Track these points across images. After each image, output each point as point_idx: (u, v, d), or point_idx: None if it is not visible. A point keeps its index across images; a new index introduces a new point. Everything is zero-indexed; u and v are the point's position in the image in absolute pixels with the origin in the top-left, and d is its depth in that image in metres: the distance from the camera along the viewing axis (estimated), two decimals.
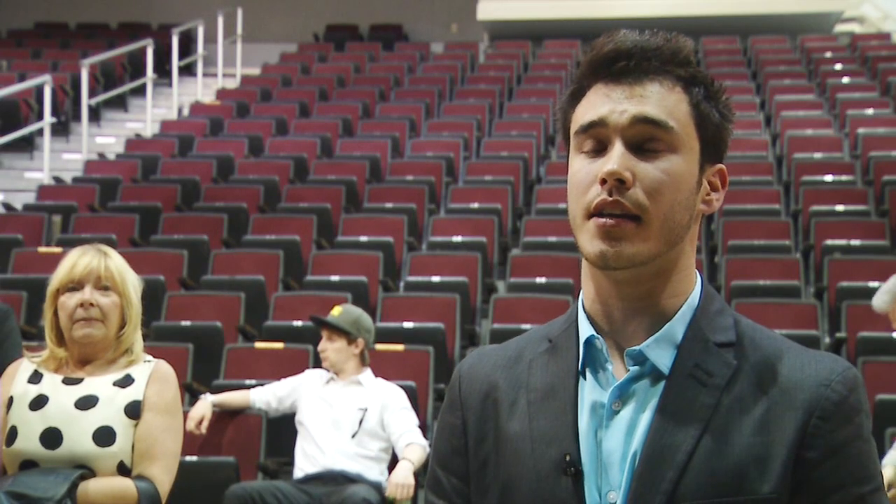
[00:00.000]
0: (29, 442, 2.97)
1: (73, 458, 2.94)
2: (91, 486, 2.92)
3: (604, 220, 1.38)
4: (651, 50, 1.42)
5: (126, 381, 3.03)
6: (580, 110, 1.45)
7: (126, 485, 2.94)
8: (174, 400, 3.06)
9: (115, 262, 3.11)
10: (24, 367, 3.12)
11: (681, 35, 1.45)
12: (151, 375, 3.05)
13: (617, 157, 1.38)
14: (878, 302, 4.02)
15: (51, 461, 2.95)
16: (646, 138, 1.40)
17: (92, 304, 3.05)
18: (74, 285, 3.07)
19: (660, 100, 1.41)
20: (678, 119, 1.41)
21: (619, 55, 1.42)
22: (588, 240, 1.40)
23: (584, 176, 1.41)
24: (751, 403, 1.39)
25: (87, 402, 2.99)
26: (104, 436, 2.95)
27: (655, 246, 1.39)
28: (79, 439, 2.95)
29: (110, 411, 2.97)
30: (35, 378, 3.07)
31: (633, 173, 1.38)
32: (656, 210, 1.38)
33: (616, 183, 1.38)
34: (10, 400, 3.04)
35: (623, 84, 1.41)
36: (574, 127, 1.45)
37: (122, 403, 2.99)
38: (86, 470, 2.94)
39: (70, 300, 3.06)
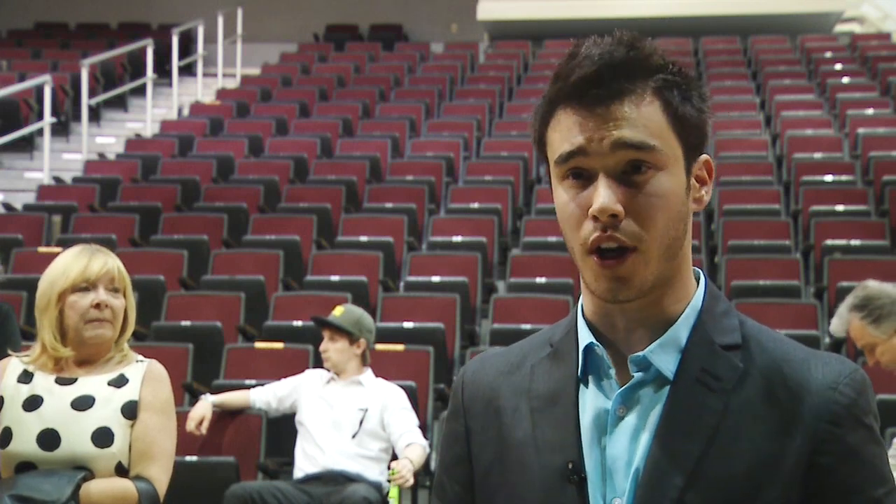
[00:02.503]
0: (26, 444, 2.95)
1: (72, 459, 2.93)
2: (93, 488, 2.91)
3: (605, 261, 1.36)
4: (618, 66, 1.37)
5: (120, 381, 3.02)
6: (555, 136, 1.41)
7: (126, 485, 2.93)
8: (168, 399, 3.06)
9: (116, 262, 3.11)
10: (12, 366, 3.08)
11: (644, 37, 1.41)
12: (146, 375, 3.03)
13: (604, 193, 1.35)
14: (833, 327, 4.01)
15: (49, 463, 2.93)
16: (629, 163, 1.37)
17: (106, 306, 3.03)
18: (87, 286, 3.04)
19: (636, 120, 1.37)
20: (658, 135, 1.37)
21: (586, 84, 1.37)
22: (592, 278, 1.39)
23: (574, 209, 1.39)
24: (759, 408, 1.37)
25: (83, 403, 2.97)
26: (102, 436, 2.94)
27: (658, 267, 1.38)
28: (77, 440, 2.93)
29: (107, 412, 2.96)
30: (25, 378, 3.04)
31: (623, 204, 1.36)
32: (653, 235, 1.36)
33: (608, 219, 1.36)
34: (1, 400, 3.01)
35: (595, 111, 1.37)
36: (552, 155, 1.41)
37: (119, 404, 2.98)
38: (86, 471, 2.92)
39: (83, 300, 3.02)
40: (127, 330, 3.08)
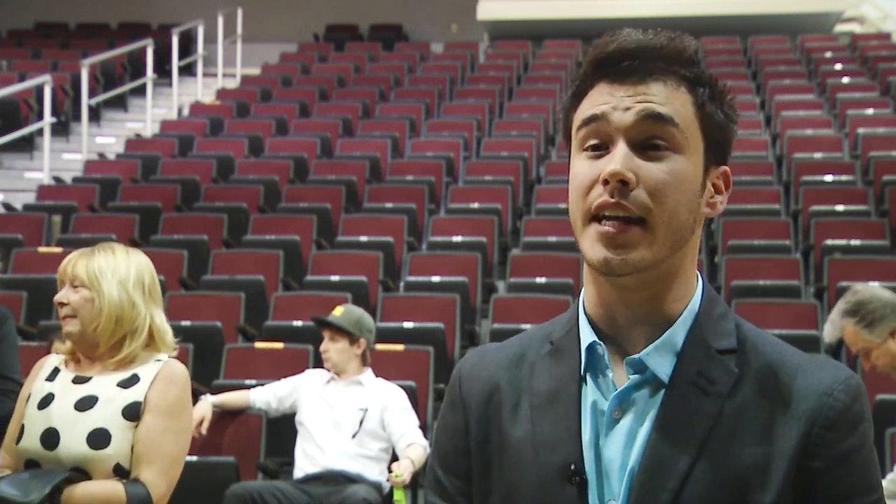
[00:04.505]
0: (31, 441, 2.97)
1: (68, 459, 2.92)
2: (77, 490, 2.89)
3: (606, 228, 1.35)
4: (655, 49, 1.39)
5: (131, 382, 3.00)
6: (582, 108, 1.41)
7: (115, 489, 2.90)
8: (178, 401, 3.00)
9: (91, 260, 3.08)
10: (49, 361, 3.13)
11: (685, 34, 1.42)
12: (157, 376, 3.01)
13: (620, 158, 1.35)
14: (826, 334, 4.01)
15: (50, 462, 2.94)
16: (650, 137, 1.37)
17: (63, 303, 3.07)
18: (62, 287, 3.12)
19: (665, 98, 1.38)
20: (683, 118, 1.38)
21: (623, 55, 1.38)
22: (590, 245, 1.37)
23: (585, 176, 1.38)
24: (753, 412, 1.37)
25: (86, 403, 2.97)
26: (98, 438, 2.92)
27: (660, 250, 1.37)
28: (74, 441, 2.93)
29: (107, 413, 2.95)
30: (52, 375, 3.08)
31: (636, 174, 1.35)
32: (660, 212, 1.36)
33: (619, 184, 1.35)
34: (29, 396, 3.06)
35: (627, 83, 1.38)
36: (576, 124, 1.42)
37: (121, 405, 2.96)
38: (75, 472, 2.91)
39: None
40: (101, 320, 3.02)
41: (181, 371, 3.05)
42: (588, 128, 1.39)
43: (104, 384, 3.01)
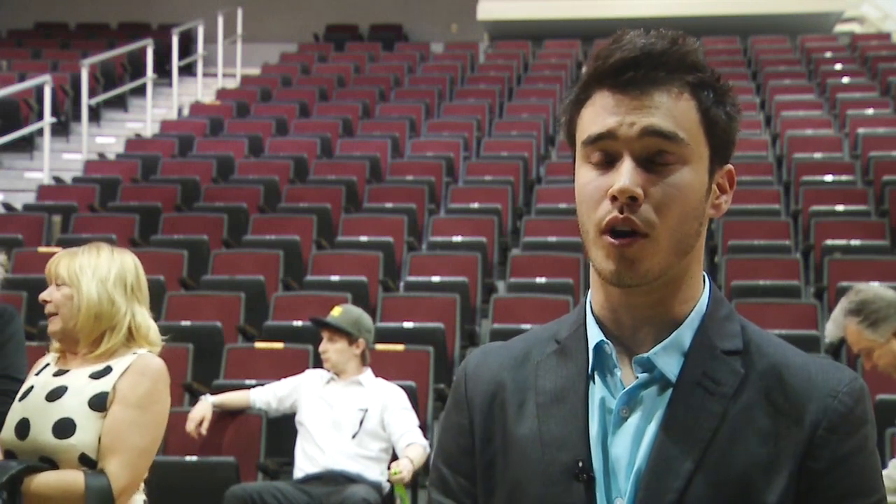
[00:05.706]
0: (8, 432, 3.01)
1: (37, 449, 2.95)
2: (35, 480, 2.91)
3: (617, 241, 1.37)
4: (658, 56, 1.39)
5: (103, 373, 3.02)
6: (586, 117, 1.42)
7: (74, 479, 2.90)
8: (148, 394, 2.99)
9: (73, 259, 3.12)
10: (45, 358, 3.18)
11: (688, 35, 1.42)
12: (129, 368, 3.01)
13: (627, 174, 1.37)
14: (828, 332, 4.02)
15: (22, 452, 2.97)
16: (655, 151, 1.38)
17: (46, 301, 3.12)
18: (48, 285, 3.17)
19: (669, 110, 1.39)
20: (688, 129, 1.39)
21: (625, 65, 1.39)
22: (602, 258, 1.39)
23: (593, 190, 1.40)
24: (757, 413, 1.39)
25: (55, 394, 2.99)
26: (63, 428, 2.93)
27: (667, 259, 1.39)
28: (41, 430, 2.95)
29: (74, 403, 2.96)
30: (41, 370, 3.12)
31: (643, 189, 1.37)
32: (665, 225, 1.37)
33: (627, 200, 1.36)
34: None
35: (630, 94, 1.39)
36: (581, 136, 1.43)
37: (89, 395, 2.97)
38: (42, 462, 2.93)
39: None
40: (79, 316, 3.06)
41: (155, 364, 3.05)
42: (594, 145, 1.40)
43: (77, 376, 3.03)
